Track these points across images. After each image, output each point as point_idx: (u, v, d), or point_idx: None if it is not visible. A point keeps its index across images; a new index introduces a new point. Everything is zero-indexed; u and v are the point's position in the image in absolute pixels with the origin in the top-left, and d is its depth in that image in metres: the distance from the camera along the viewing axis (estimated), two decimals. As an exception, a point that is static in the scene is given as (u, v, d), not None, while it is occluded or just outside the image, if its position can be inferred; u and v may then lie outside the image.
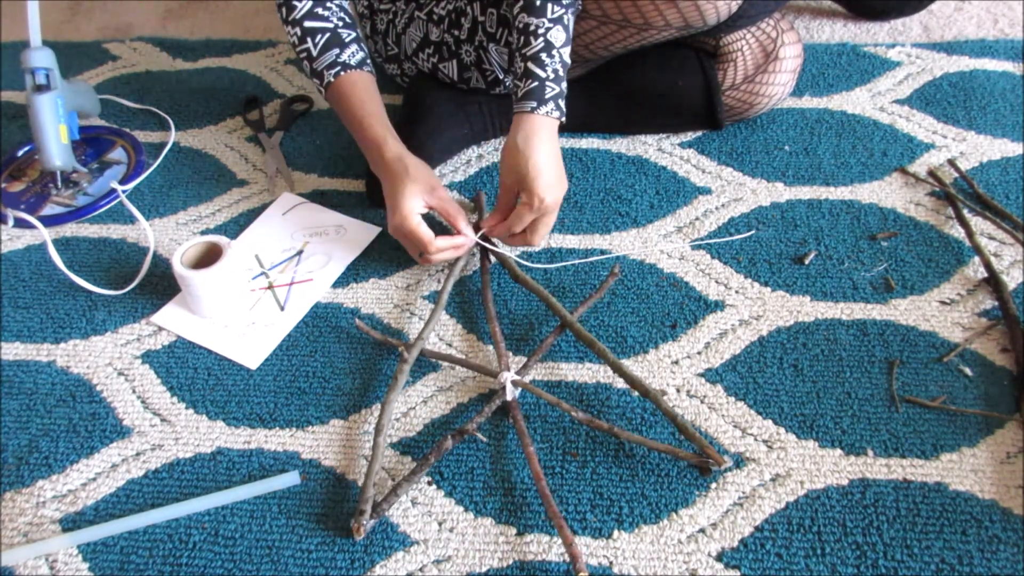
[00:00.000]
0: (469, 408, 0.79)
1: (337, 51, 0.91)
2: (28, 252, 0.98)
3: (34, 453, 0.77)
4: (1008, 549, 0.66)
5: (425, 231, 0.85)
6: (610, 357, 0.78)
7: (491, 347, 0.84)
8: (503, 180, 0.86)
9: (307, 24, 0.91)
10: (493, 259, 0.91)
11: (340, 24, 0.92)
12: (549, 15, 0.84)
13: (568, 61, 0.86)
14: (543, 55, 0.84)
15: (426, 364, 0.83)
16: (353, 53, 0.92)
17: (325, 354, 0.85)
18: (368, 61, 0.94)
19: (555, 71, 0.85)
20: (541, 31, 0.84)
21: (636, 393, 0.79)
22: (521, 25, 0.85)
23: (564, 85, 0.86)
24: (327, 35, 0.91)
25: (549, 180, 0.83)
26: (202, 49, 1.33)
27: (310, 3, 0.91)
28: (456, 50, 1.00)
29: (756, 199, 0.99)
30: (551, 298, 0.84)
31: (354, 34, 0.93)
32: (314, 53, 0.91)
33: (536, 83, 0.84)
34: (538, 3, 0.84)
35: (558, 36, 0.84)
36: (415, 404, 0.80)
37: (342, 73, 0.91)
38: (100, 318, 0.90)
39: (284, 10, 0.92)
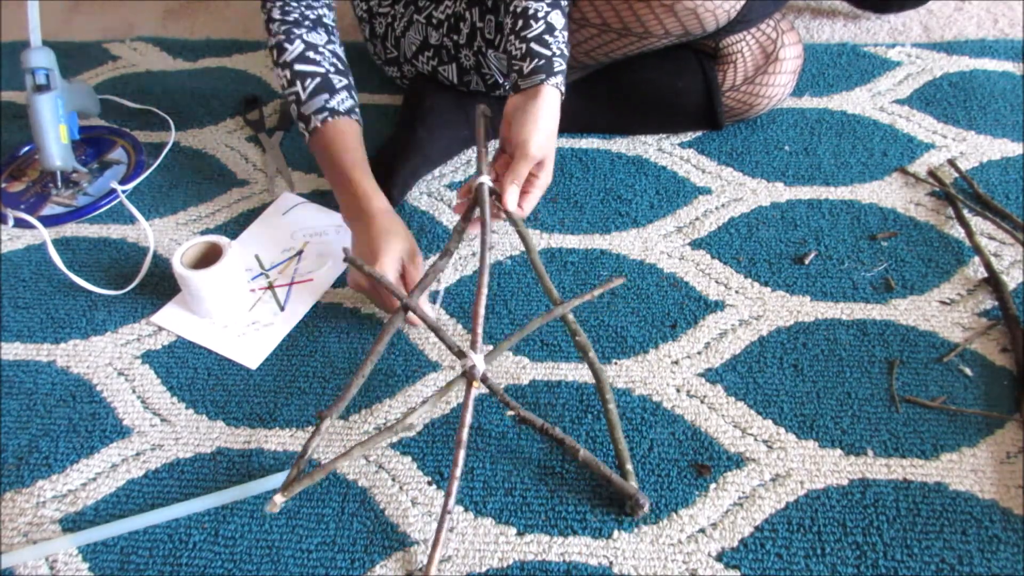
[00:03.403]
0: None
1: (327, 96, 0.88)
2: (28, 252, 0.98)
3: (34, 453, 0.77)
4: (1008, 549, 0.66)
5: (392, 290, 0.76)
6: (590, 353, 0.75)
7: (491, 347, 0.84)
8: (529, 152, 0.81)
9: (297, 67, 0.88)
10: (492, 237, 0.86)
11: (332, 70, 0.90)
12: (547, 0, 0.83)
13: (568, 48, 0.84)
14: (547, 36, 0.82)
15: (426, 364, 0.83)
16: (342, 100, 0.89)
17: (325, 354, 0.85)
18: (357, 110, 0.91)
19: (560, 50, 0.83)
20: (541, 14, 0.83)
21: (636, 393, 0.79)
22: (519, 9, 0.83)
23: (566, 68, 0.84)
24: (317, 79, 0.88)
25: (550, 147, 0.82)
26: (202, 49, 1.33)
27: (302, 47, 0.89)
28: (455, 54, 1.00)
29: (756, 199, 0.99)
30: (546, 277, 0.79)
31: (345, 81, 0.91)
32: (303, 97, 0.88)
33: (543, 60, 0.81)
34: None
35: (557, 20, 0.83)
36: (415, 404, 0.79)
37: (330, 119, 0.87)
38: (100, 318, 0.90)
39: (275, 52, 0.89)
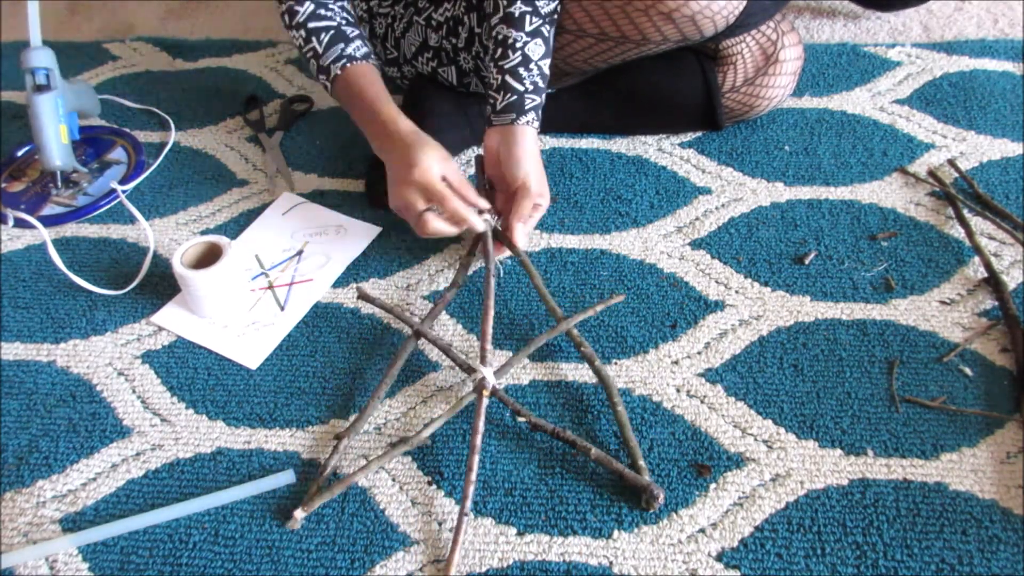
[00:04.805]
0: (469, 409, 0.79)
1: (342, 45, 0.91)
2: (28, 252, 0.98)
3: (34, 453, 0.77)
4: (1008, 549, 0.66)
5: (442, 186, 0.84)
6: (596, 363, 0.79)
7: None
8: (526, 183, 0.87)
9: (311, 25, 0.92)
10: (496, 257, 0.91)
11: (343, 22, 0.93)
12: (527, 28, 0.85)
13: (547, 73, 0.89)
14: (520, 69, 0.86)
15: (426, 364, 0.83)
16: (358, 47, 0.92)
17: (325, 354, 0.85)
18: (372, 56, 0.94)
19: (534, 83, 0.87)
20: (519, 45, 0.86)
21: (636, 393, 0.79)
22: (500, 37, 0.87)
23: (543, 98, 0.89)
24: (331, 32, 0.92)
25: (544, 181, 0.88)
26: (202, 49, 1.33)
27: (312, 6, 0.92)
28: (455, 56, 1.00)
29: (756, 199, 0.99)
30: (548, 297, 0.84)
31: (357, 31, 0.94)
32: (320, 50, 0.92)
33: (515, 96, 0.87)
34: (516, 15, 0.85)
35: (536, 50, 0.87)
36: (415, 404, 0.80)
37: (348, 65, 0.91)
38: (100, 318, 0.90)
39: (287, 16, 0.92)
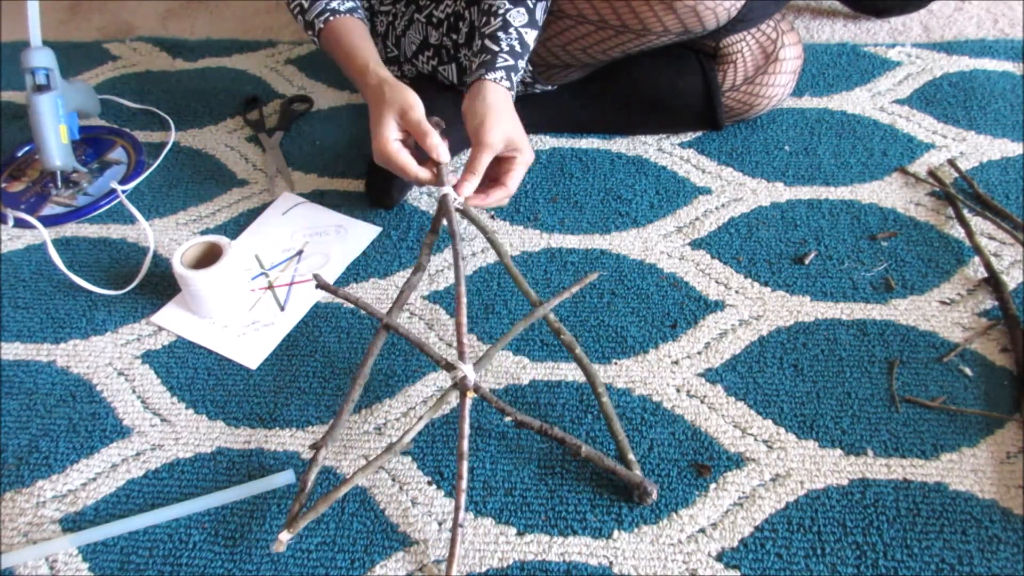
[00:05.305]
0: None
1: (327, 1, 0.93)
2: (28, 252, 0.98)
3: (34, 453, 0.77)
4: (1008, 549, 0.66)
5: (404, 158, 0.84)
6: (576, 351, 0.76)
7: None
8: (488, 140, 0.83)
9: None
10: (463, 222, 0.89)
11: None
12: None
13: (529, 44, 0.87)
14: (500, 32, 0.86)
15: (426, 364, 0.83)
16: (341, 1, 0.93)
17: (325, 354, 0.85)
18: (359, 10, 0.95)
19: (510, 46, 0.87)
20: (501, 11, 0.86)
21: (636, 393, 0.79)
22: (484, 6, 0.87)
23: (520, 63, 0.87)
24: None
25: (522, 132, 0.86)
26: (202, 49, 1.33)
27: None
28: (455, 54, 1.00)
29: (756, 199, 0.99)
30: (521, 280, 0.79)
31: None
32: (305, 5, 0.93)
33: (488, 56, 0.86)
34: None
35: (517, 17, 0.87)
36: (415, 404, 0.80)
37: (331, 19, 0.92)
38: (100, 318, 0.90)
39: None
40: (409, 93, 0.85)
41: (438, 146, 0.84)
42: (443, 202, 0.82)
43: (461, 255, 0.78)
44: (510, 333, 0.76)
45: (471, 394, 0.71)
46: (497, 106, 0.85)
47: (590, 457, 0.71)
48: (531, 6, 0.87)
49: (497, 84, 0.86)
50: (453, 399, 0.80)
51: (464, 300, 0.74)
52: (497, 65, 0.86)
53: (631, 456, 0.72)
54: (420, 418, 0.72)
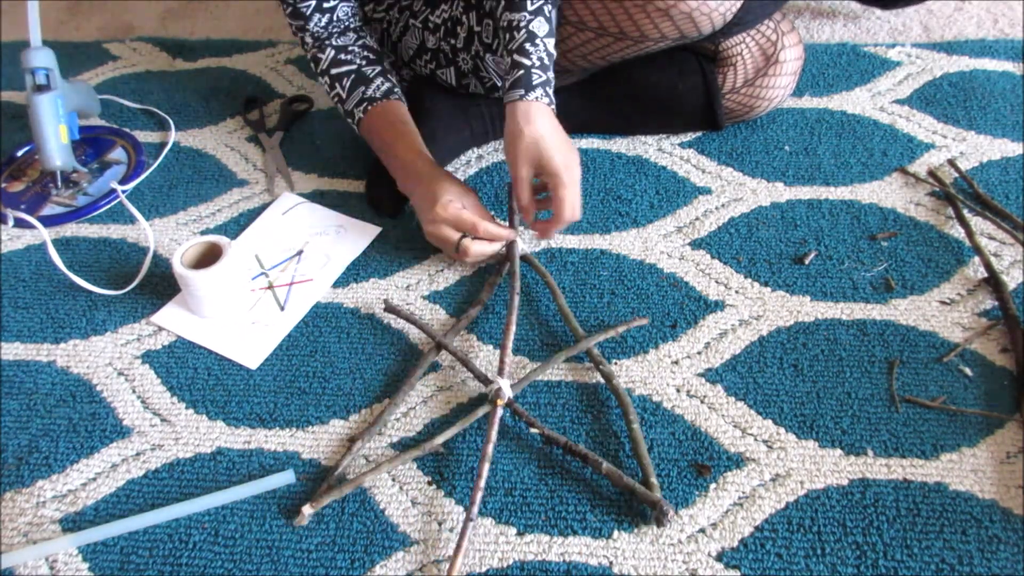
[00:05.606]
0: (468, 408, 0.79)
1: (363, 88, 0.95)
2: (28, 252, 0.98)
3: (34, 453, 0.77)
4: (1008, 549, 0.66)
5: (469, 215, 0.85)
6: (613, 381, 0.78)
7: (490, 347, 0.84)
8: (518, 173, 0.84)
9: (333, 71, 0.96)
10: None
11: (363, 63, 0.96)
12: (529, 8, 0.85)
13: (553, 52, 0.86)
14: (527, 45, 0.85)
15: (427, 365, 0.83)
16: (378, 87, 0.95)
17: (325, 354, 0.85)
18: (396, 90, 0.96)
19: (540, 59, 0.85)
20: (523, 24, 0.85)
21: (636, 393, 0.79)
22: (505, 23, 0.86)
23: (551, 75, 0.86)
24: (352, 76, 0.95)
25: (570, 153, 0.84)
26: (202, 49, 1.33)
27: (333, 52, 0.96)
28: (453, 58, 1.00)
29: (756, 199, 0.99)
30: (571, 316, 0.84)
31: (379, 68, 0.97)
32: (344, 95, 0.96)
33: (522, 71, 0.84)
34: None
35: (540, 27, 0.85)
36: (415, 404, 0.80)
37: (368, 108, 0.94)
38: (100, 318, 0.90)
39: (313, 64, 0.98)
40: (458, 181, 0.89)
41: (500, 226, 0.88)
42: (511, 248, 0.89)
43: (516, 290, 0.85)
44: (550, 362, 0.80)
45: (500, 402, 0.75)
46: (527, 132, 0.82)
47: (610, 475, 0.71)
48: (548, 14, 0.86)
49: (538, 103, 0.83)
50: (454, 399, 0.80)
51: (513, 328, 0.82)
52: (534, 82, 0.83)
53: (653, 479, 0.71)
54: (454, 426, 0.75)
